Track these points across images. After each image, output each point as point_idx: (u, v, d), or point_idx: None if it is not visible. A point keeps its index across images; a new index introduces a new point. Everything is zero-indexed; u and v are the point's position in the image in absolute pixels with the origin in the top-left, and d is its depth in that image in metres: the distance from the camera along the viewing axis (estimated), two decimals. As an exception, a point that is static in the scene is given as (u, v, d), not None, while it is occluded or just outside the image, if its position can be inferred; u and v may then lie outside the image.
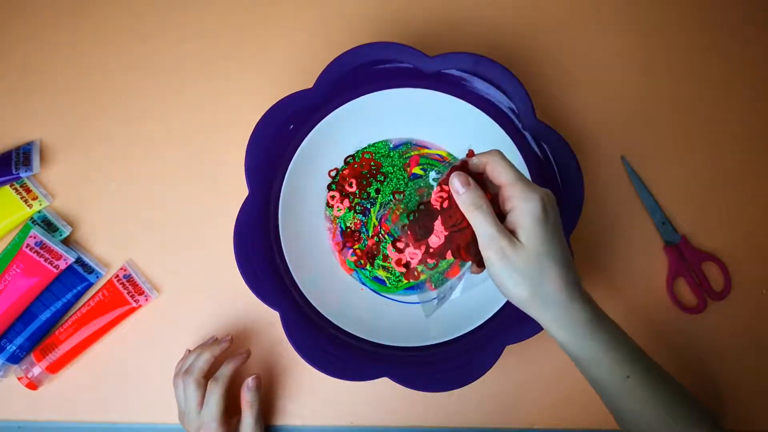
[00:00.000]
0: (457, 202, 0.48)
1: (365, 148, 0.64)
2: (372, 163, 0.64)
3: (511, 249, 0.46)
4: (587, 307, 0.48)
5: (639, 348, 0.51)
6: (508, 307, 0.60)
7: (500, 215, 0.48)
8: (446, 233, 0.49)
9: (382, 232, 0.64)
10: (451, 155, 0.49)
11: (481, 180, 0.49)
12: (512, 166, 0.47)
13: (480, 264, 0.49)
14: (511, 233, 0.47)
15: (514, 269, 0.46)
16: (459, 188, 0.48)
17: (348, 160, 0.64)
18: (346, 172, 0.64)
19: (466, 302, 0.62)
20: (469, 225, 0.48)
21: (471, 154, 0.50)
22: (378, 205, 0.64)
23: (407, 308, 0.63)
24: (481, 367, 0.57)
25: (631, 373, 0.49)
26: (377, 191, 0.64)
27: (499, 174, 0.47)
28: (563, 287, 0.47)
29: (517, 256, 0.46)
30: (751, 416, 0.64)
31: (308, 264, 0.61)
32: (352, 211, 0.64)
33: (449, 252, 0.49)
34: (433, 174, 0.50)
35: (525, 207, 0.46)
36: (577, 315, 0.48)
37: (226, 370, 0.59)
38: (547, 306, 0.47)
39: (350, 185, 0.64)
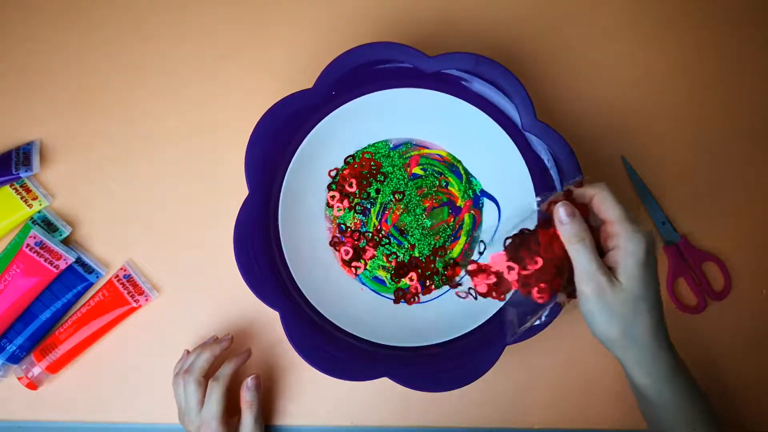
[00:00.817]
0: (559, 232, 0.47)
1: (365, 148, 0.64)
2: (372, 163, 0.64)
3: (609, 288, 0.45)
4: (672, 355, 0.48)
5: (712, 405, 0.50)
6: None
7: (599, 249, 0.47)
8: (543, 260, 0.48)
9: (383, 232, 0.64)
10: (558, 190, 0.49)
11: (584, 211, 0.48)
12: (619, 202, 0.47)
13: (570, 296, 0.49)
14: (610, 269, 0.46)
15: (608, 308, 0.46)
16: (563, 218, 0.47)
17: (348, 160, 0.64)
18: (346, 172, 0.64)
19: (466, 302, 0.62)
20: (566, 256, 0.47)
21: (580, 184, 0.49)
22: (378, 205, 0.64)
23: (407, 308, 0.63)
24: (481, 367, 0.57)
25: (699, 427, 0.49)
26: (377, 191, 0.64)
27: (606, 209, 0.47)
28: (654, 333, 0.47)
29: (614, 296, 0.45)
30: (751, 416, 0.64)
31: (308, 264, 0.61)
32: (352, 211, 0.64)
33: (541, 279, 0.48)
34: (538, 199, 0.50)
35: (629, 248, 0.45)
36: (662, 362, 0.48)
37: (226, 370, 0.59)
38: (633, 348, 0.47)
39: (350, 185, 0.64)
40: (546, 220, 0.49)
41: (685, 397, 0.49)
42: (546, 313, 0.51)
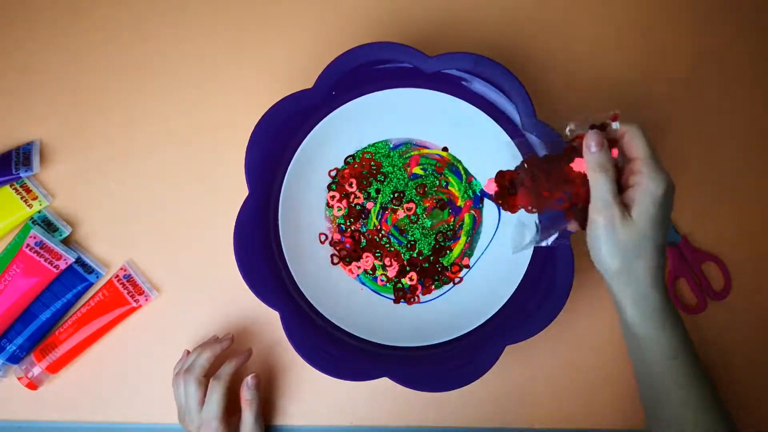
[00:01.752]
0: (585, 159, 0.48)
1: (365, 148, 0.64)
2: (372, 163, 0.64)
3: (621, 221, 0.47)
4: (666, 297, 0.49)
5: (692, 342, 0.51)
6: (508, 307, 0.60)
7: (619, 187, 0.48)
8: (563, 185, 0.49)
9: (383, 232, 0.64)
10: (593, 116, 0.50)
11: (612, 146, 0.49)
12: (649, 142, 0.48)
13: (582, 225, 0.50)
14: (625, 206, 0.47)
15: (615, 239, 0.47)
16: (592, 147, 0.48)
17: (348, 160, 0.64)
18: (346, 172, 0.64)
19: (466, 302, 0.62)
20: (586, 185, 0.48)
21: (615, 117, 0.49)
22: (378, 205, 0.64)
23: (407, 308, 0.63)
24: (481, 367, 0.57)
25: (680, 355, 0.50)
26: (377, 191, 0.64)
27: (635, 146, 0.48)
28: (652, 272, 0.48)
29: (623, 229, 0.47)
30: (751, 416, 0.64)
31: (308, 264, 0.61)
32: (348, 210, 0.64)
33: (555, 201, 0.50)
34: (571, 125, 0.51)
35: (649, 186, 0.47)
36: (654, 300, 0.48)
37: (227, 369, 0.59)
38: (630, 282, 0.48)
39: (350, 185, 0.64)
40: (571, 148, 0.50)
41: (670, 335, 0.49)
42: (555, 236, 0.52)
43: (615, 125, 0.49)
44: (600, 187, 0.47)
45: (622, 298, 0.49)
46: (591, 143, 0.48)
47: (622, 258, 0.47)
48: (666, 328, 0.49)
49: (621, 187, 0.49)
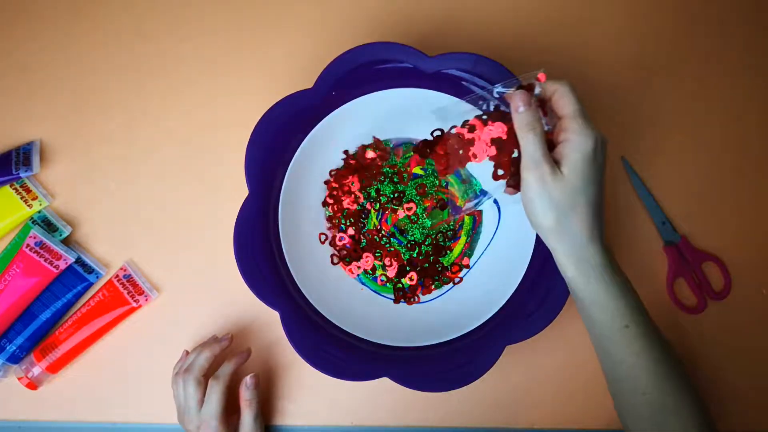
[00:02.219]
0: (513, 119, 0.49)
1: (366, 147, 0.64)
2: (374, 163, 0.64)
3: (551, 177, 0.47)
4: (604, 252, 0.49)
5: (642, 304, 0.51)
6: (508, 307, 0.60)
7: (550, 145, 0.48)
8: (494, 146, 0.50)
9: (383, 232, 0.64)
10: (521, 76, 0.51)
11: (542, 106, 0.49)
12: (578, 99, 0.48)
13: (515, 185, 0.50)
14: (556, 163, 0.47)
15: (548, 197, 0.47)
16: (520, 106, 0.48)
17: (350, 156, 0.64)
18: (347, 170, 0.64)
19: (466, 302, 0.62)
20: (515, 143, 0.49)
21: (543, 78, 0.50)
22: (378, 205, 0.64)
23: (407, 308, 0.63)
24: (481, 367, 0.57)
25: (631, 324, 0.49)
26: (377, 191, 0.64)
27: (564, 104, 0.48)
28: (587, 227, 0.48)
29: (554, 185, 0.47)
30: (751, 416, 0.64)
31: (308, 264, 0.61)
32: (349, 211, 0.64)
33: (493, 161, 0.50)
34: (499, 87, 0.51)
35: (578, 141, 0.47)
36: (593, 256, 0.48)
37: (227, 369, 0.59)
38: (565, 239, 0.48)
39: (351, 184, 0.64)
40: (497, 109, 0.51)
41: (615, 296, 0.49)
42: (487, 199, 0.53)
43: (538, 88, 0.49)
44: (529, 146, 0.47)
45: (560, 256, 0.49)
46: (518, 103, 0.48)
47: (556, 214, 0.47)
48: (611, 291, 0.49)
49: (552, 146, 0.49)
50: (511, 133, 0.49)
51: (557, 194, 0.47)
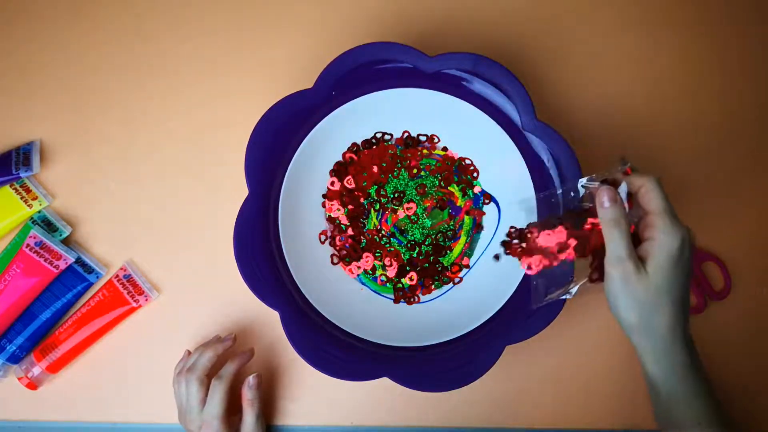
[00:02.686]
0: (599, 214, 0.49)
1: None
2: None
3: (635, 275, 0.47)
4: (688, 351, 0.49)
5: (722, 404, 0.50)
6: (509, 306, 0.60)
7: (635, 239, 0.49)
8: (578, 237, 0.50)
9: (383, 232, 0.64)
10: (607, 171, 0.52)
11: (628, 200, 0.49)
12: (665, 196, 0.48)
13: (599, 279, 0.50)
14: (640, 259, 0.47)
15: (631, 294, 0.47)
16: (605, 202, 0.48)
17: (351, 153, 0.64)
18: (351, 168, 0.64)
19: (466, 302, 0.62)
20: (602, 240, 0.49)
21: (629, 172, 0.50)
22: (378, 206, 0.64)
23: (407, 308, 0.63)
24: (481, 367, 0.57)
25: (704, 422, 0.49)
26: (377, 191, 0.64)
27: (650, 200, 0.48)
28: (671, 326, 0.48)
29: (638, 284, 0.47)
30: (751, 416, 0.64)
31: (308, 264, 0.61)
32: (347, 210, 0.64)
33: (573, 252, 0.50)
34: (583, 181, 0.51)
35: (664, 241, 0.47)
36: (676, 355, 0.48)
37: (230, 368, 0.59)
38: (649, 337, 0.48)
39: (350, 184, 0.64)
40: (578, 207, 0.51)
41: (693, 393, 0.49)
42: (575, 289, 0.52)
43: (624, 184, 0.49)
44: (614, 242, 0.48)
45: (642, 352, 0.49)
46: (604, 199, 0.48)
47: (639, 312, 0.47)
48: (689, 386, 0.48)
49: (637, 241, 0.49)
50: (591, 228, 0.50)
51: (641, 293, 0.47)
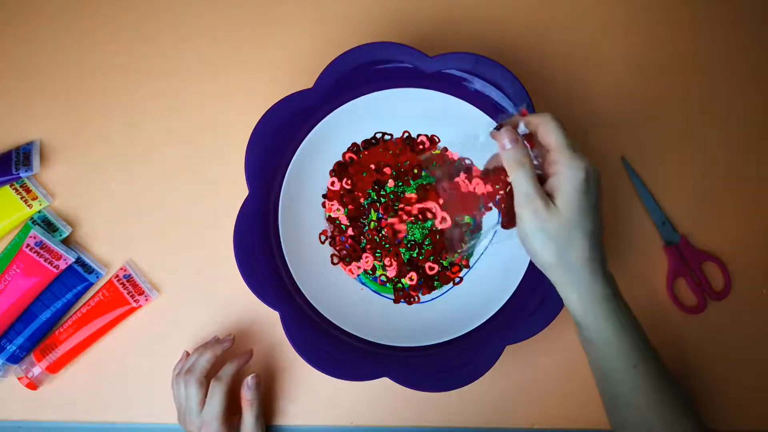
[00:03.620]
0: (502, 157, 0.49)
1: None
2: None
3: (546, 211, 0.47)
4: (608, 285, 0.49)
5: (648, 340, 0.50)
6: (509, 306, 0.60)
7: (542, 178, 0.49)
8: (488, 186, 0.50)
9: (383, 232, 0.64)
10: (504, 109, 0.52)
11: (530, 141, 0.50)
12: (564, 130, 0.48)
13: (511, 221, 0.50)
14: (549, 196, 0.47)
15: (544, 231, 0.47)
16: (506, 144, 0.48)
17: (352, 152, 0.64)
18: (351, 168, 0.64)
19: (466, 302, 0.62)
20: (507, 181, 0.49)
21: (524, 113, 0.50)
22: (378, 206, 0.64)
23: (407, 308, 0.63)
24: (481, 367, 0.57)
25: (639, 363, 0.49)
26: (377, 191, 0.64)
27: (550, 137, 0.48)
28: (588, 260, 0.48)
29: (549, 219, 0.47)
30: (750, 416, 0.64)
31: (308, 264, 0.61)
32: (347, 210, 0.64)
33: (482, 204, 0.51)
34: (491, 130, 0.51)
35: (568, 174, 0.47)
36: (597, 291, 0.48)
37: (229, 369, 0.59)
38: (569, 275, 0.48)
39: (349, 185, 0.64)
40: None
41: (623, 333, 0.48)
42: (491, 238, 0.53)
43: (522, 125, 0.50)
44: (520, 182, 0.48)
45: (565, 292, 0.49)
46: (504, 141, 0.49)
47: (555, 248, 0.47)
48: (618, 328, 0.48)
49: (543, 179, 0.49)
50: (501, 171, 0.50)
51: (554, 228, 0.47)
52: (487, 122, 0.60)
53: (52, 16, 0.69)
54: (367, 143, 0.64)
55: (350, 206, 0.64)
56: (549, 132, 0.48)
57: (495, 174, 0.51)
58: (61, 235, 0.65)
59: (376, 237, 0.64)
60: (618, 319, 0.48)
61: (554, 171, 0.48)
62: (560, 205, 0.47)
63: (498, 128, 0.50)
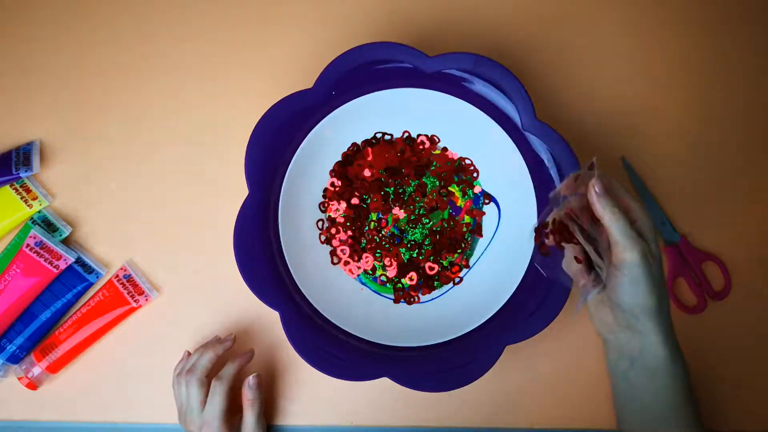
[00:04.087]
0: (593, 203, 0.47)
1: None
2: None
3: (650, 254, 0.46)
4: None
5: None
6: (509, 306, 0.60)
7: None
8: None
9: (383, 232, 0.64)
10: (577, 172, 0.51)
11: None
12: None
13: (596, 281, 0.48)
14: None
15: (651, 275, 0.45)
16: (600, 191, 0.47)
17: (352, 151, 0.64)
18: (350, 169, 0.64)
19: (466, 302, 0.62)
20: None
21: (591, 167, 0.49)
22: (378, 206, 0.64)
23: (407, 308, 0.63)
24: (481, 367, 0.57)
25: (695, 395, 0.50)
26: (377, 191, 0.64)
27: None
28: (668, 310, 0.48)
29: (654, 263, 0.46)
30: (751, 416, 0.64)
31: (308, 264, 0.61)
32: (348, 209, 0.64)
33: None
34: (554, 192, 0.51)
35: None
36: (673, 335, 0.49)
37: (230, 369, 0.59)
38: (663, 319, 0.47)
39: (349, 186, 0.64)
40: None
41: (685, 374, 0.49)
42: (593, 293, 0.51)
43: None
44: (619, 227, 0.46)
45: (654, 336, 0.47)
46: (598, 189, 0.47)
47: (658, 294, 0.46)
48: (682, 362, 0.49)
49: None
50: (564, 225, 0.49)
51: (657, 272, 0.46)
52: (487, 122, 0.60)
53: (52, 16, 0.69)
54: (367, 143, 0.64)
55: (350, 206, 0.64)
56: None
57: (560, 226, 0.49)
58: (61, 235, 0.65)
59: (376, 237, 0.64)
60: (679, 352, 0.49)
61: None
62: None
63: (575, 179, 0.49)
